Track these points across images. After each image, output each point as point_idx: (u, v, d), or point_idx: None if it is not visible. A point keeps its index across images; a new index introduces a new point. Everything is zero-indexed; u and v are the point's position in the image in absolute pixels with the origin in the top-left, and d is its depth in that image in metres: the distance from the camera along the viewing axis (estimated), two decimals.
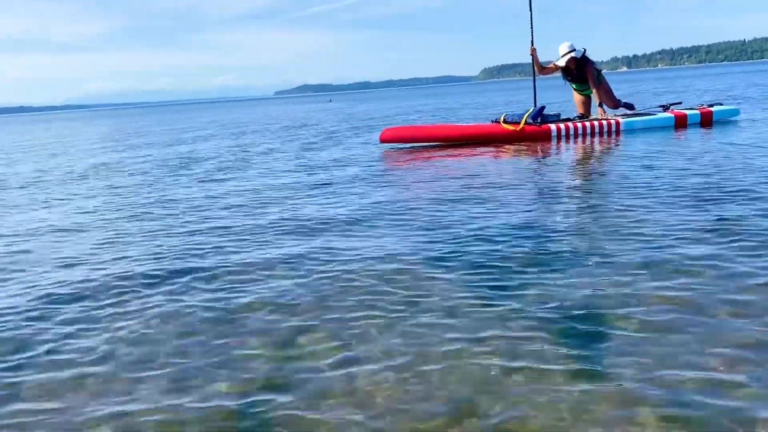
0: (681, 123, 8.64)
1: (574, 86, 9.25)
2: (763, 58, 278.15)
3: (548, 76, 9.43)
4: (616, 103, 9.12)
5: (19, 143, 19.78)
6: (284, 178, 6.76)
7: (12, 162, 12.10)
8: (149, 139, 16.87)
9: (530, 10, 8.99)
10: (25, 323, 2.74)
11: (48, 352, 2.43)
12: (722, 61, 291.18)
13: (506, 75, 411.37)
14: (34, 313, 2.86)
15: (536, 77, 9.36)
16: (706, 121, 8.71)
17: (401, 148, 8.59)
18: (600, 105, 9.00)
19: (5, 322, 2.79)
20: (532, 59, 9.08)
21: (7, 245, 4.33)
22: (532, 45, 9.04)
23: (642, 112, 9.23)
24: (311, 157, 8.57)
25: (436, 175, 6.13)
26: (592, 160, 6.67)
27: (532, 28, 9.01)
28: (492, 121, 8.81)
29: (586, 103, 9.26)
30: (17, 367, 2.31)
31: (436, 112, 19.79)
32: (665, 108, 9.13)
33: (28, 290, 3.22)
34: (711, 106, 9.06)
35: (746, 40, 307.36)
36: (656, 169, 5.47)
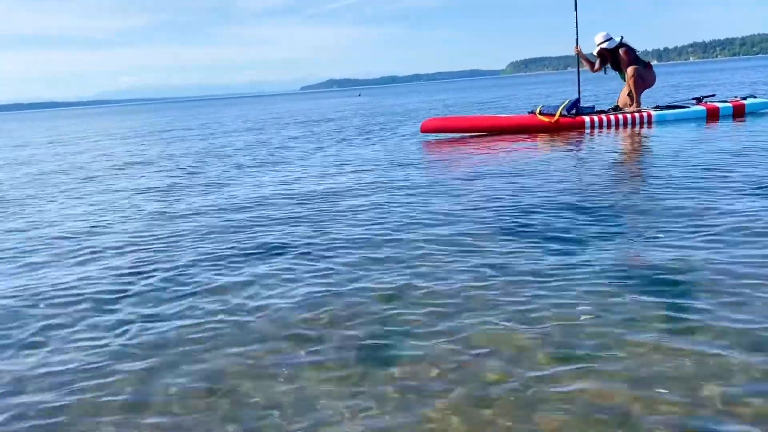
0: (713, 115, 8.69)
1: (620, 75, 9.30)
2: None
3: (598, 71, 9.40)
4: (634, 100, 9.07)
5: (56, 137, 20.39)
6: (341, 168, 6.88)
7: (53, 156, 12.55)
8: (201, 132, 17.28)
9: (575, 10, 9.28)
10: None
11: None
12: (757, 53, 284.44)
13: (534, 69, 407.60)
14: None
15: (580, 69, 9.62)
16: (738, 113, 8.75)
17: (442, 139, 8.85)
18: (628, 94, 9.07)
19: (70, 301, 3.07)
20: (578, 58, 9.34)
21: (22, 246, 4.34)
22: (577, 44, 9.34)
23: (674, 104, 9.30)
24: (360, 149, 8.66)
25: (484, 161, 6.45)
26: (625, 150, 6.81)
27: (576, 27, 9.32)
28: (528, 113, 9.05)
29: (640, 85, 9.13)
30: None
31: (468, 106, 19.92)
32: (698, 101, 9.18)
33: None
34: (744, 98, 9.09)
35: None
36: (689, 158, 5.60)
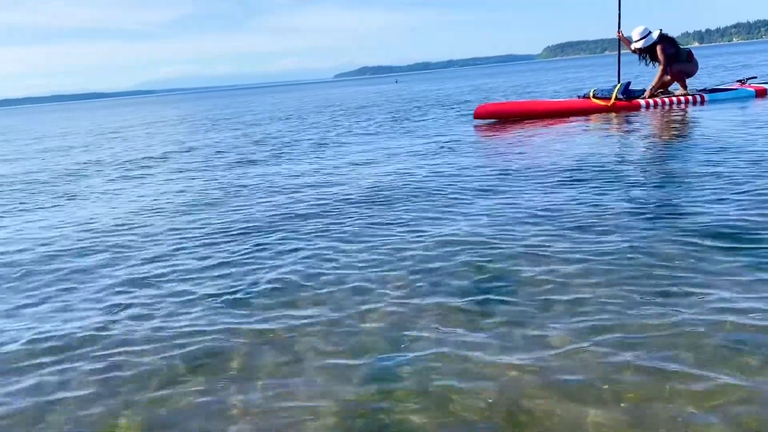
0: (761, 95, 8.88)
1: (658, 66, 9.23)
2: None
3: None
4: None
5: (108, 127, 21.28)
6: (399, 155, 6.89)
7: (96, 147, 13.29)
8: (245, 118, 17.93)
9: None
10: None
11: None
12: None
13: (570, 53, 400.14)
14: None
15: (621, 52, 9.57)
16: None
17: (494, 124, 8.70)
18: (652, 87, 9.02)
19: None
20: (619, 42, 9.31)
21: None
22: (619, 29, 9.26)
23: (721, 87, 9.40)
24: (417, 135, 8.68)
25: (545, 146, 6.39)
26: (686, 130, 6.78)
27: (619, 11, 9.26)
28: (579, 97, 9.07)
29: (666, 81, 9.21)
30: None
31: (509, 89, 20.12)
32: (742, 82, 9.34)
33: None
34: None
35: None
36: (747, 137, 5.75)
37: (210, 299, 2.72)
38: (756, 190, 3.73)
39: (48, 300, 2.89)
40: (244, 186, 5.65)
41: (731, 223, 3.10)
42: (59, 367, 2.19)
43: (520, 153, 6.07)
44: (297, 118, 15.27)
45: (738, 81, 9.57)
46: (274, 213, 4.35)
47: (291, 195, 4.98)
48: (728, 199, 3.57)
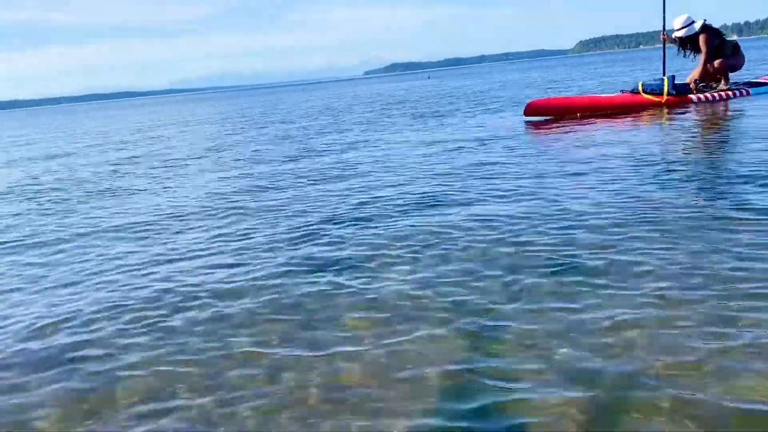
0: None
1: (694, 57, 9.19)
2: None
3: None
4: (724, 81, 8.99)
5: (144, 124, 22.05)
6: (462, 149, 6.95)
7: (140, 143, 13.92)
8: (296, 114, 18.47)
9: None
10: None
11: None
12: None
13: (603, 47, 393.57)
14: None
15: (666, 48, 9.33)
16: None
17: (547, 121, 8.50)
18: (696, 81, 8.96)
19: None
20: (664, 44, 9.18)
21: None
22: (663, 32, 9.11)
23: (760, 81, 9.46)
24: (468, 131, 8.63)
25: (612, 144, 6.28)
26: (741, 125, 6.77)
27: (664, 15, 9.05)
28: (626, 92, 8.98)
29: (709, 73, 9.08)
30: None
31: (548, 84, 20.35)
32: None
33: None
34: None
35: None
36: None
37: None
38: None
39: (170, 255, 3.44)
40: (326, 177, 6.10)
41: None
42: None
43: (587, 151, 5.93)
44: (344, 113, 15.84)
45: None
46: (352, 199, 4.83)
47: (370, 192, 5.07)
48: None
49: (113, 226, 4.64)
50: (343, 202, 4.72)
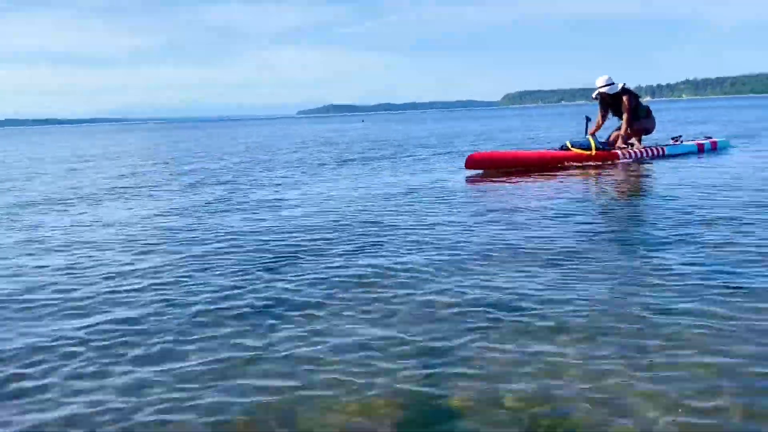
0: (701, 149, 10.04)
1: (613, 116, 9.62)
2: None
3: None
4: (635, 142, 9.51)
5: (65, 156, 21.33)
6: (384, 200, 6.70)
7: (63, 174, 13.49)
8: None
9: (587, 120, 9.48)
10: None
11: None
12: (748, 93, 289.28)
13: (528, 101, 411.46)
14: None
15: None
16: (714, 148, 10.25)
17: (484, 172, 8.53)
18: (624, 138, 9.45)
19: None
20: (586, 131, 9.44)
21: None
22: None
23: (671, 143, 10.17)
24: (401, 178, 8.72)
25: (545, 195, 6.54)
26: (663, 179, 7.34)
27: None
28: (559, 148, 9.28)
29: (628, 134, 9.55)
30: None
31: (481, 134, 21.06)
32: (675, 140, 10.36)
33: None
34: (708, 138, 10.70)
35: None
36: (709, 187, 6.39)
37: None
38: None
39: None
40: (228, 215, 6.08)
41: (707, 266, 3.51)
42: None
43: (518, 202, 6.06)
44: (263, 154, 15.81)
45: (672, 138, 10.49)
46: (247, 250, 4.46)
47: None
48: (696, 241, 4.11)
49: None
50: (265, 245, 4.55)
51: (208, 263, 4.06)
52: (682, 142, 10.28)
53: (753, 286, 3.11)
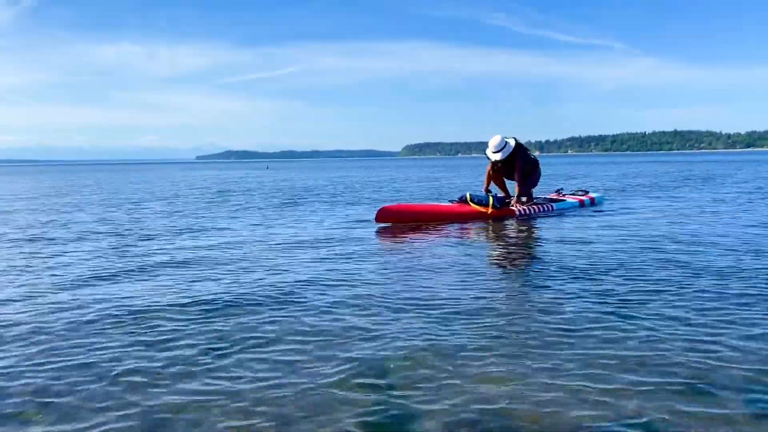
0: (582, 204, 11.07)
1: (499, 166, 10.01)
2: (661, 149, 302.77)
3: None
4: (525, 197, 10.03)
5: None
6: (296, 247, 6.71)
7: None
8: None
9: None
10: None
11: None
12: (626, 150, 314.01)
13: (427, 152, 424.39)
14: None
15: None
16: (592, 203, 11.27)
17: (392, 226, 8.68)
18: (518, 196, 9.84)
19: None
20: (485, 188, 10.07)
21: None
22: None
23: (557, 198, 11.00)
24: (309, 226, 8.83)
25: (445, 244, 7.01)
26: (551, 233, 7.80)
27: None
28: (453, 201, 9.82)
29: (506, 180, 10.24)
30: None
31: (387, 184, 21.96)
32: (558, 192, 11.47)
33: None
34: (586, 192, 11.69)
35: (647, 133, 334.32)
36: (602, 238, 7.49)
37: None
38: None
39: None
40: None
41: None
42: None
43: (422, 254, 6.20)
44: (159, 201, 15.43)
45: (556, 191, 11.56)
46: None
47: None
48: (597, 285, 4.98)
49: None
50: (162, 295, 4.43)
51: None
52: (562, 193, 11.43)
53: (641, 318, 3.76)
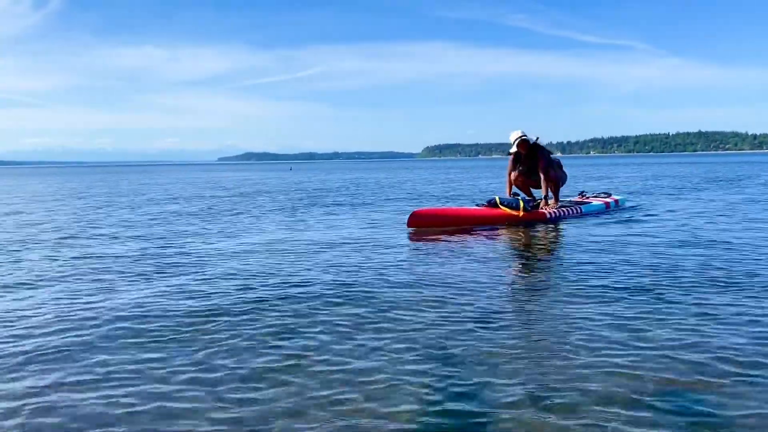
0: (608, 207, 10.93)
1: (521, 169, 9.79)
2: (685, 151, 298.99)
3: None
4: (554, 199, 9.98)
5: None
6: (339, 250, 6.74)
7: None
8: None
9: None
10: None
11: None
12: (649, 152, 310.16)
13: (447, 154, 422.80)
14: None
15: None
16: (617, 205, 11.20)
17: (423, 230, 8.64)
18: (545, 197, 9.65)
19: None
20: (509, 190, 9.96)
21: None
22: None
23: (583, 201, 10.88)
24: (336, 229, 8.89)
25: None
26: (583, 236, 7.70)
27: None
28: (480, 204, 9.67)
29: (530, 187, 9.93)
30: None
31: (407, 187, 22.01)
32: (581, 194, 11.40)
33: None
34: (609, 195, 11.62)
35: (670, 134, 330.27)
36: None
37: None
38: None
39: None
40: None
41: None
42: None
43: (457, 260, 6.10)
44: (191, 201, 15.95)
45: (580, 193, 11.46)
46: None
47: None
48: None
49: None
50: (189, 298, 4.53)
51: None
52: (586, 195, 11.33)
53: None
